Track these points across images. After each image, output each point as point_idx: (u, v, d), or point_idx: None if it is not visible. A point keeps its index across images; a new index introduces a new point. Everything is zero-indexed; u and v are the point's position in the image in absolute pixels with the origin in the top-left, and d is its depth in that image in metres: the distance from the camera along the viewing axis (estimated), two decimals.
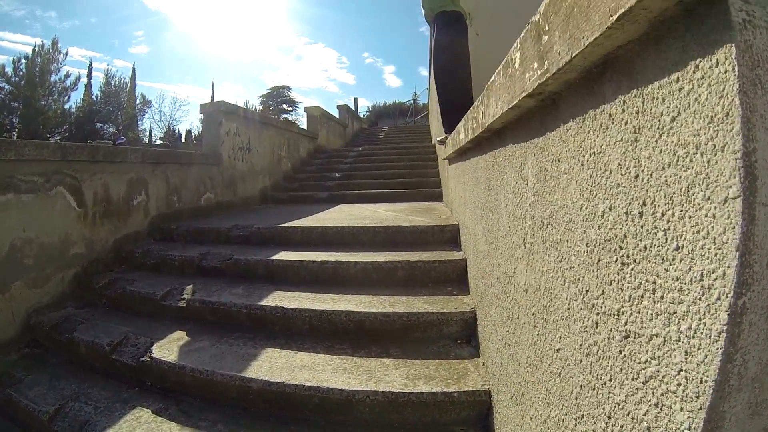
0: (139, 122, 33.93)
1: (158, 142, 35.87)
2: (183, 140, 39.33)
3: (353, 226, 3.69)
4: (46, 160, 3.09)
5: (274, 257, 3.23)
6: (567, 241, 0.99)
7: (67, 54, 26.39)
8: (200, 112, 5.62)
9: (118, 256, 3.76)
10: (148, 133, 36.77)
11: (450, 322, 2.43)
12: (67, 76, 26.40)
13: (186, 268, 3.44)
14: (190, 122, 68.17)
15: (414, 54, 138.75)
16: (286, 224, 3.94)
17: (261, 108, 46.43)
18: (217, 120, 5.47)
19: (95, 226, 3.54)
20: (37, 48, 25.06)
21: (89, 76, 31.24)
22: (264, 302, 2.65)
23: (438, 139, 4.45)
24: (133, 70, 35.40)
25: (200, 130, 42.99)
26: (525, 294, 1.33)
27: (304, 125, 10.53)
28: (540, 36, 0.94)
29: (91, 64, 33.36)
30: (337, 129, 12.19)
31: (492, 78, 1.50)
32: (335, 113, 12.67)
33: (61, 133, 25.50)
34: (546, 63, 0.91)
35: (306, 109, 10.41)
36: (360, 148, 9.87)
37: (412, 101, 31.85)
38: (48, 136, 24.19)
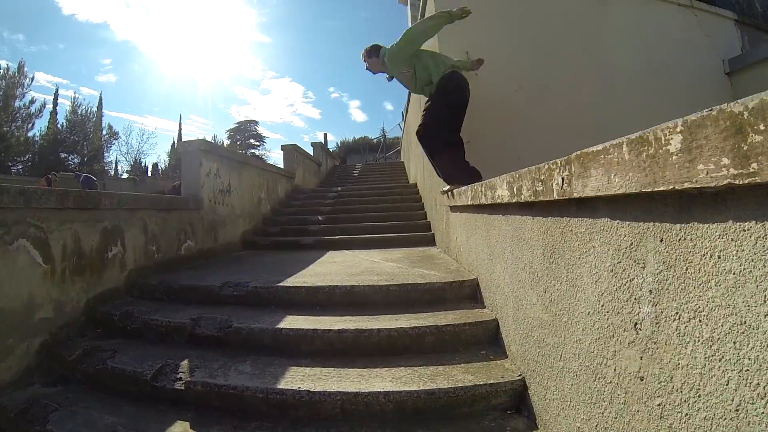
0: (105, 154, 33.01)
1: (125, 175, 34.81)
2: (150, 174, 38.30)
3: (364, 285, 3.30)
4: (6, 208, 2.60)
5: (282, 325, 2.80)
6: (735, 343, 0.92)
7: (33, 79, 25.58)
8: (178, 150, 5.23)
9: (92, 319, 3.22)
10: (114, 166, 35.70)
11: (498, 393, 2.16)
12: (33, 102, 25.59)
13: (176, 335, 2.94)
14: (157, 155, 66.52)
15: (378, 89, 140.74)
16: (287, 283, 3.50)
17: (229, 142, 45.99)
18: (197, 160, 5.08)
19: (65, 285, 3.02)
20: (2, 71, 24.01)
21: (55, 104, 30.29)
22: (283, 384, 2.21)
23: (443, 189, 4.26)
24: (100, 99, 34.35)
25: (167, 164, 42.22)
26: (640, 382, 1.24)
27: (272, 161, 10.27)
28: (744, 132, 0.82)
29: (57, 91, 32.34)
30: (312, 167, 11.90)
31: (596, 148, 1.36)
32: (307, 149, 12.40)
33: (24, 162, 24.35)
34: (753, 165, 0.81)
35: (283, 148, 10.06)
36: (339, 189, 9.55)
37: (381, 137, 32.02)
38: (9, 165, 22.98)
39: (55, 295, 2.95)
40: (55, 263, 2.94)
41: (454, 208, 4.11)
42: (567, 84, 5.10)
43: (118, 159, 37.39)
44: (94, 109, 31.91)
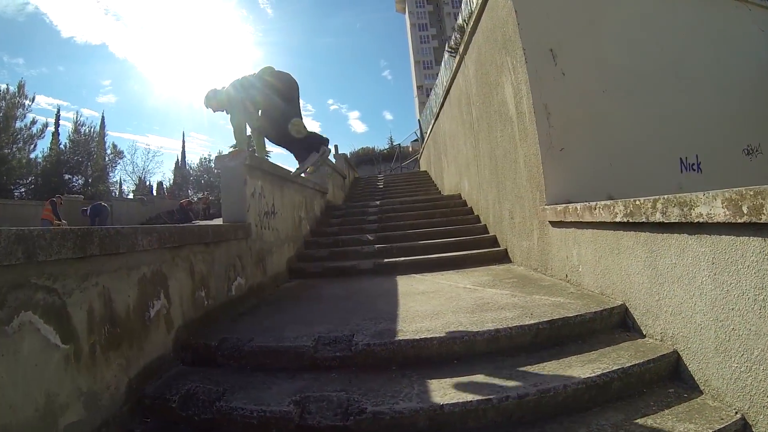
0: (110, 174, 32.10)
1: (130, 195, 33.83)
2: (155, 192, 37.41)
3: (506, 327, 2.63)
4: None
5: (439, 399, 1.97)
6: None
7: (33, 99, 24.68)
8: (216, 167, 4.34)
9: (137, 406, 2.22)
10: (118, 186, 34.78)
11: None
12: (34, 122, 24.68)
13: (274, 428, 1.96)
14: (162, 173, 65.45)
15: (377, 99, 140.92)
16: (404, 334, 2.61)
17: None
18: (240, 178, 4.09)
19: (96, 368, 1.99)
20: (1, 92, 23.09)
21: (57, 125, 29.51)
22: None
23: (545, 206, 4.08)
24: (102, 118, 33.68)
25: (171, 182, 41.31)
26: None
27: None
28: None
29: (58, 111, 31.64)
30: (338, 180, 10.96)
31: None
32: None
33: (27, 184, 23.39)
34: None
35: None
36: (377, 203, 8.59)
37: (388, 147, 31.29)
38: (12, 188, 22.02)
39: (84, 386, 1.92)
40: (79, 340, 1.91)
41: (562, 224, 3.86)
42: (648, 87, 4.89)
43: (123, 179, 36.23)
44: (97, 128, 31.04)
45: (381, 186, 13.71)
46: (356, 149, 39.18)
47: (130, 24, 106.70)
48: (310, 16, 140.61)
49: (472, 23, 5.94)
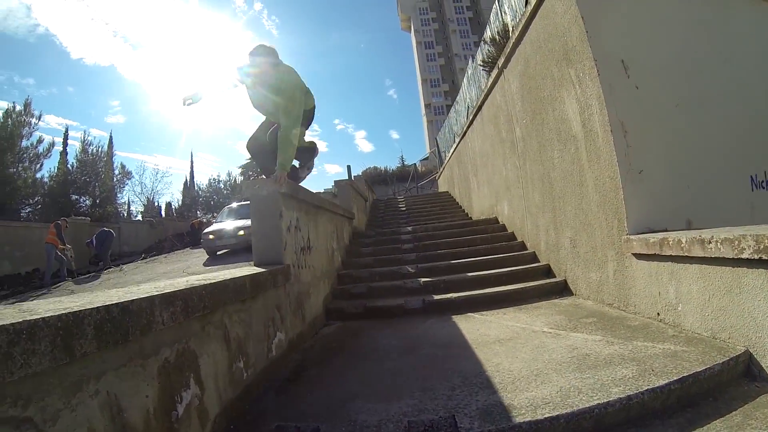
0: (117, 195, 31.65)
1: (138, 216, 33.33)
2: (164, 214, 36.97)
3: (637, 393, 2.16)
4: None
5: None
6: None
7: (40, 118, 24.01)
8: (246, 195, 3.69)
9: None
10: (126, 207, 34.26)
11: None
12: (40, 141, 23.97)
13: None
14: (171, 194, 65.04)
15: (383, 118, 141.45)
16: (526, 413, 2.03)
17: (242, 178, 44.93)
18: (275, 210, 3.54)
19: None
20: (8, 110, 22.73)
21: (65, 144, 29.11)
22: None
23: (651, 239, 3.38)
24: (110, 138, 32.97)
25: (180, 203, 40.87)
26: None
27: None
28: None
29: (66, 131, 31.33)
30: (361, 203, 10.41)
31: None
32: (319, 184, 11.27)
33: (33, 205, 22.90)
34: None
35: (337, 184, 8.64)
36: (409, 228, 8.03)
37: (400, 166, 30.92)
38: (18, 208, 21.61)
39: None
40: None
41: (655, 257, 3.36)
42: (716, 100, 4.47)
43: (131, 199, 35.68)
44: (105, 148, 30.69)
45: (403, 208, 13.15)
46: (366, 168, 38.84)
47: (139, 46, 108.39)
48: (314, 36, 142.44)
49: (517, 34, 5.43)
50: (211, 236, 13.05)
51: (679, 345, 2.76)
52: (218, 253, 13.16)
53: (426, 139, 66.45)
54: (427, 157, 32.54)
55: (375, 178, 34.41)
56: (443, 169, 16.69)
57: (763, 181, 4.74)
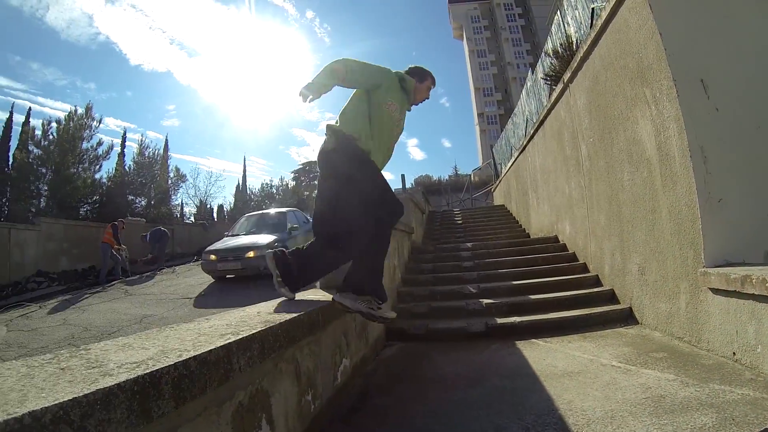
0: (172, 197, 32.55)
1: (191, 218, 34.25)
2: (216, 216, 37.81)
3: None
4: None
5: None
6: None
7: (101, 121, 25.29)
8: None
9: None
10: (180, 208, 35.22)
11: None
12: (100, 143, 25.23)
13: None
14: (223, 197, 66.84)
15: (435, 126, 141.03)
16: None
17: (294, 183, 45.76)
18: None
19: None
20: (70, 113, 24.17)
21: (123, 146, 30.34)
22: None
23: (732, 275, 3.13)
24: (166, 141, 34.05)
25: (232, 206, 41.82)
26: None
27: None
28: None
29: (125, 133, 32.94)
30: (419, 217, 10.37)
31: None
32: None
33: (91, 204, 24.12)
34: None
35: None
36: (468, 245, 7.93)
37: (468, 177, 30.65)
38: (77, 205, 22.89)
39: None
40: None
41: (735, 294, 3.10)
42: None
43: (184, 201, 36.75)
44: (161, 151, 31.82)
45: (459, 222, 12.99)
46: (418, 176, 38.74)
47: (194, 53, 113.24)
48: (365, 44, 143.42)
49: (585, 48, 5.26)
50: (212, 256, 10.64)
51: (759, 391, 2.58)
52: (227, 276, 10.93)
53: (479, 148, 65.80)
54: (481, 167, 32.17)
55: (428, 187, 34.32)
56: (499, 181, 16.40)
57: None
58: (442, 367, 3.80)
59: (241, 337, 1.71)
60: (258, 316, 2.21)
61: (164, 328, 1.82)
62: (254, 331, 1.82)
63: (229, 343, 1.59)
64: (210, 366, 1.44)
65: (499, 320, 4.76)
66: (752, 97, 3.87)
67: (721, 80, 3.74)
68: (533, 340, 4.35)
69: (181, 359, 1.30)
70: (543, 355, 3.85)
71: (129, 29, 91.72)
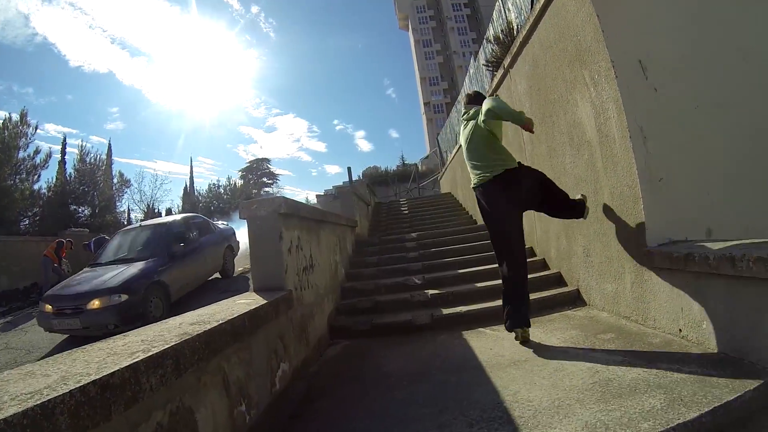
0: (117, 203, 31.17)
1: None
2: None
3: (669, 428, 2.02)
4: None
5: None
6: None
7: (36, 128, 23.47)
8: (242, 217, 3.43)
9: None
10: (126, 215, 33.83)
11: None
12: (37, 152, 23.37)
13: None
14: (170, 200, 64.34)
15: (382, 117, 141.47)
16: None
17: (242, 182, 44.91)
18: (274, 231, 3.33)
19: None
20: (4, 121, 22.33)
21: (63, 153, 28.52)
22: None
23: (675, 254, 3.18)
24: (109, 146, 32.58)
25: (180, 209, 40.56)
26: None
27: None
28: None
29: (65, 140, 30.91)
30: (363, 209, 10.17)
31: None
32: (317, 184, 11.06)
33: (31, 217, 22.46)
34: None
35: (339, 191, 8.42)
36: (414, 235, 7.81)
37: (401, 166, 30.72)
38: (17, 221, 21.28)
39: None
40: None
41: (679, 272, 3.13)
42: (736, 98, 4.15)
43: (131, 207, 35.21)
44: (104, 156, 30.29)
45: (406, 212, 12.89)
46: (366, 168, 38.69)
47: (137, 52, 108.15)
48: (311, 39, 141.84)
49: (524, 33, 5.20)
50: (47, 306, 7.29)
51: (707, 368, 2.60)
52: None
53: (426, 138, 66.31)
54: (428, 156, 32.32)
55: (375, 178, 34.20)
56: (445, 169, 16.44)
57: None
58: (387, 363, 3.65)
59: (150, 354, 1.54)
60: (178, 328, 1.97)
61: (75, 350, 1.65)
62: (167, 347, 1.64)
63: (137, 362, 1.45)
64: (114, 389, 1.32)
65: (445, 311, 4.66)
66: (690, 77, 3.90)
67: (659, 61, 3.74)
68: (480, 329, 4.27)
69: (79, 385, 1.19)
70: (490, 344, 3.77)
71: (68, 29, 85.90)
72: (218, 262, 11.04)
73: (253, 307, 2.50)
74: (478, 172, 3.89)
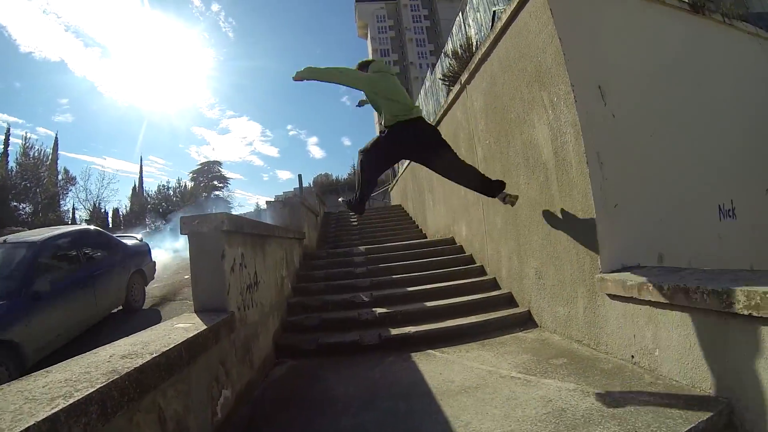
0: (61, 201, 29.42)
1: (83, 225, 30.92)
2: (111, 222, 34.85)
3: None
4: None
5: None
6: None
7: None
8: (183, 233, 3.11)
9: None
10: (71, 214, 31.87)
11: None
12: None
13: None
14: (118, 200, 60.94)
15: (336, 125, 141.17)
16: None
17: (192, 185, 43.59)
18: (218, 248, 3.05)
19: None
20: None
21: (6, 144, 26.82)
22: None
23: (629, 282, 3.17)
24: (56, 140, 30.78)
25: (128, 208, 38.70)
26: None
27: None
28: None
29: (8, 130, 28.79)
30: (312, 220, 9.89)
31: None
32: (270, 188, 10.71)
33: None
34: None
35: (287, 203, 8.12)
36: (362, 249, 7.58)
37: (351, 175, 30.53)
38: None
39: None
40: None
41: (632, 300, 3.10)
42: (688, 130, 4.53)
43: (75, 206, 33.25)
44: (49, 150, 28.47)
45: (355, 223, 12.62)
46: (317, 175, 38.39)
47: (91, 44, 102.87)
48: (269, 40, 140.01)
49: (484, 50, 5.15)
50: None
51: (660, 397, 2.60)
52: None
53: None
54: None
55: (326, 187, 33.87)
56: (396, 181, 16.39)
57: (729, 210, 4.83)
58: (334, 387, 3.47)
59: (72, 402, 1.32)
60: (107, 363, 1.71)
61: None
62: (92, 390, 1.41)
63: (56, 412, 1.25)
64: None
65: (394, 331, 4.49)
66: (647, 105, 4.00)
67: (618, 88, 3.79)
68: (429, 351, 4.14)
69: None
70: (440, 369, 3.65)
71: (20, 11, 79.61)
72: (119, 294, 7.90)
73: (192, 334, 2.23)
74: (400, 107, 4.05)
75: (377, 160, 4.21)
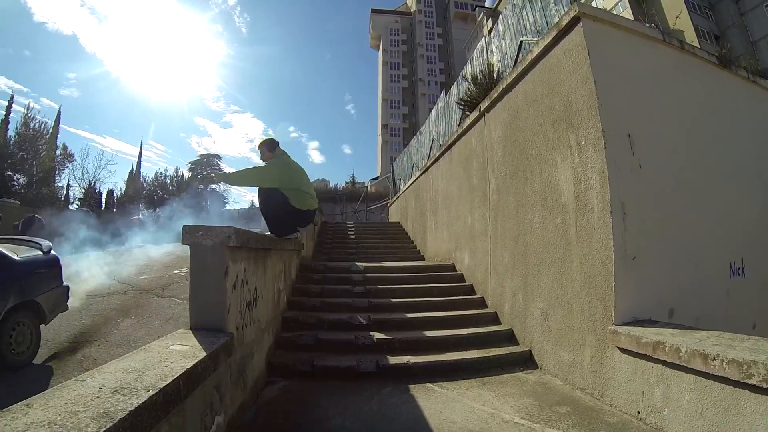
0: (56, 177, 28.99)
1: (76, 203, 30.58)
2: (104, 203, 34.46)
3: None
4: None
5: None
6: None
7: None
8: (185, 243, 2.95)
9: None
10: (65, 191, 31.39)
11: None
12: None
13: None
14: (114, 182, 60.14)
15: (338, 132, 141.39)
16: None
17: (190, 175, 43.20)
18: (221, 265, 2.87)
19: None
20: None
21: (8, 111, 26.40)
22: None
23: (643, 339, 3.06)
24: (59, 114, 30.41)
25: (123, 191, 38.21)
26: None
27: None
28: None
29: (12, 97, 28.35)
30: (310, 229, 9.72)
31: None
32: None
33: None
34: None
35: None
36: (361, 267, 7.40)
37: (364, 187, 30.33)
38: None
39: None
40: None
41: (644, 357, 3.02)
42: (709, 185, 4.49)
43: (70, 183, 32.76)
44: (51, 124, 28.01)
45: (353, 237, 12.46)
46: (314, 181, 38.23)
47: (105, 21, 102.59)
48: (282, 42, 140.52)
49: (509, 80, 5.07)
50: None
51: None
52: None
53: (378, 159, 66.46)
54: (379, 178, 32.20)
55: (324, 194, 33.64)
56: (397, 198, 16.22)
57: (739, 268, 4.75)
58: (329, 418, 3.30)
59: None
60: (97, 399, 1.53)
61: None
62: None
63: None
64: None
65: (392, 359, 4.34)
66: (671, 157, 3.91)
67: (646, 138, 3.72)
68: (428, 384, 4.00)
69: None
70: (440, 406, 3.50)
71: None
72: None
73: (191, 364, 2.07)
74: (312, 200, 5.55)
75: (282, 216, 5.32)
